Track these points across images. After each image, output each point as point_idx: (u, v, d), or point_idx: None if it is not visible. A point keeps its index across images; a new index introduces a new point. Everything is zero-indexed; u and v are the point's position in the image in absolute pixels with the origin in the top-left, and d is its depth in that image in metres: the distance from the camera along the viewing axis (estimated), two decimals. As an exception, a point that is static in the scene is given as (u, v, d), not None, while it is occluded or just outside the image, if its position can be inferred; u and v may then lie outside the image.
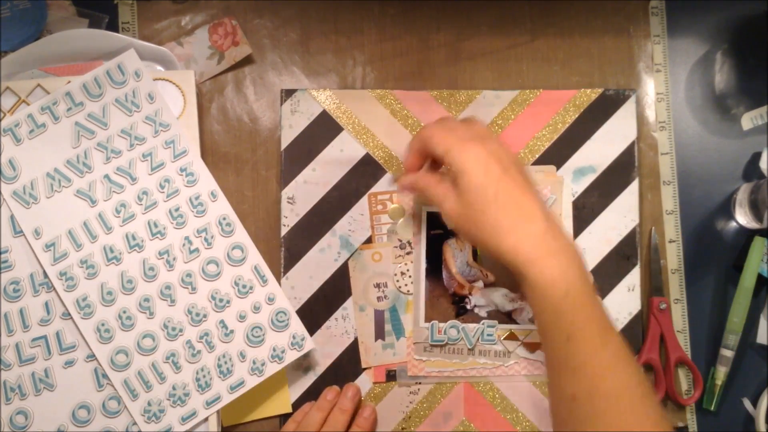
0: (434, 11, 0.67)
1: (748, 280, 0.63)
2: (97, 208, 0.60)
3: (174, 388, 0.59)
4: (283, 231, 0.63)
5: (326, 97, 0.65)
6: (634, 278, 0.64)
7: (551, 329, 0.48)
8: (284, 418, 0.62)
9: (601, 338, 0.47)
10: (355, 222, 0.64)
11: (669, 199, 0.65)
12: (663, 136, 0.66)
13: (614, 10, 0.67)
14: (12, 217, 0.60)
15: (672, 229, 0.65)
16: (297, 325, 0.61)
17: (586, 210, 0.64)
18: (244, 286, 0.61)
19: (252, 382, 0.60)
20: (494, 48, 0.67)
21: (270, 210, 0.64)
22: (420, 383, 0.63)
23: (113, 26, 0.65)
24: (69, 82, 0.61)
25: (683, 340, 0.64)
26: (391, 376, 0.63)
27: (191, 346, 0.60)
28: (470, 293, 0.63)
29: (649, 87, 0.66)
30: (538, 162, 0.65)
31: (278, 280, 0.63)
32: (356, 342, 0.63)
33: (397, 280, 0.63)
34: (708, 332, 0.64)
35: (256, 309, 0.61)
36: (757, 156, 0.66)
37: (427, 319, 0.63)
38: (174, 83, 0.63)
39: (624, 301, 0.63)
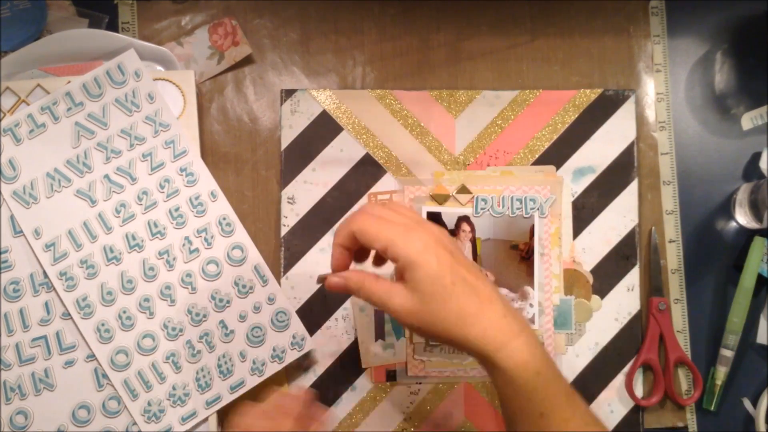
0: (434, 11, 0.67)
1: (748, 280, 0.63)
2: (97, 208, 0.60)
3: (174, 388, 0.59)
4: (283, 231, 0.63)
5: (326, 97, 0.65)
6: (633, 278, 0.64)
7: (524, 410, 0.47)
8: (284, 418, 0.62)
9: (570, 407, 0.47)
10: (355, 222, 0.63)
11: (669, 199, 0.65)
12: (663, 136, 0.66)
13: (614, 10, 0.67)
14: (12, 217, 0.60)
15: (672, 229, 0.65)
16: (297, 325, 0.61)
17: (586, 210, 0.64)
18: (244, 286, 0.61)
19: (252, 382, 0.60)
20: (494, 48, 0.66)
21: (270, 210, 0.64)
22: (420, 383, 0.63)
23: (113, 26, 0.65)
24: (69, 82, 0.61)
25: (683, 340, 0.64)
26: (391, 376, 0.63)
27: (191, 346, 0.60)
28: (470, 293, 0.63)
29: (649, 87, 0.66)
30: (537, 162, 0.65)
31: (278, 280, 0.63)
32: (356, 342, 0.63)
33: (397, 280, 0.63)
34: (708, 332, 0.64)
35: (257, 309, 0.61)
36: (757, 156, 0.66)
37: (427, 319, 0.63)
38: (174, 83, 0.63)
39: (623, 301, 0.63)
